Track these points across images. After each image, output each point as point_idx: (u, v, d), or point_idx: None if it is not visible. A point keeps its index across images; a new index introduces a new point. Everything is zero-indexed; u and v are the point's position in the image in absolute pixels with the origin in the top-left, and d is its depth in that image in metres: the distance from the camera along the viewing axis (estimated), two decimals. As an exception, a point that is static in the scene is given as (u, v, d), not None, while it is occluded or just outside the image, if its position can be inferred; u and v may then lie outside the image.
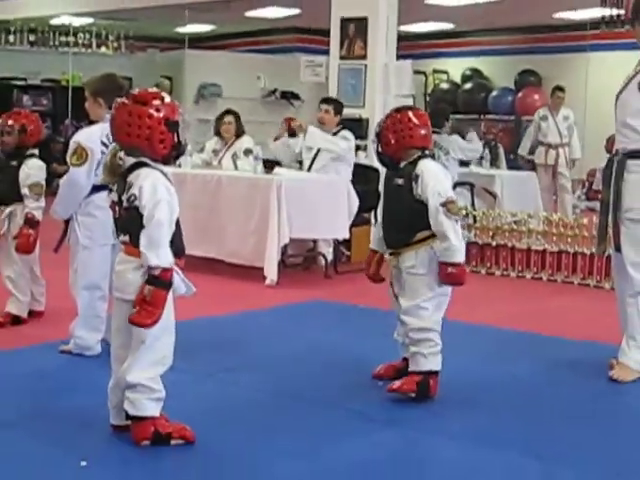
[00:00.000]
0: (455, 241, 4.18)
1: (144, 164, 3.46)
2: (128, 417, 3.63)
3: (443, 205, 4.18)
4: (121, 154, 3.48)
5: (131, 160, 3.47)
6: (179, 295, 3.57)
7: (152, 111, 3.40)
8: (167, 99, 3.53)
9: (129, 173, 3.44)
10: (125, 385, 3.46)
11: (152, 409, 3.48)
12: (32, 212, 5.36)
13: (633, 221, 4.75)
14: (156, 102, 3.44)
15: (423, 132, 4.42)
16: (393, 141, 4.36)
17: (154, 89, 3.64)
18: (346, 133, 7.93)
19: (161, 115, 3.40)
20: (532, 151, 11.75)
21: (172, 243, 3.47)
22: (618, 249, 4.83)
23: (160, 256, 3.30)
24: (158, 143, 3.41)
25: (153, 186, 3.39)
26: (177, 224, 3.53)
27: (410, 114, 4.42)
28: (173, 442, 3.48)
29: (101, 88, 5.08)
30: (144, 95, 3.48)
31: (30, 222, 5.33)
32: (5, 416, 3.85)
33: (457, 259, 4.19)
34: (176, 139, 3.47)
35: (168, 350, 3.55)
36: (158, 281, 3.31)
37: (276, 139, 8.83)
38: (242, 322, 6.03)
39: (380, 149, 4.47)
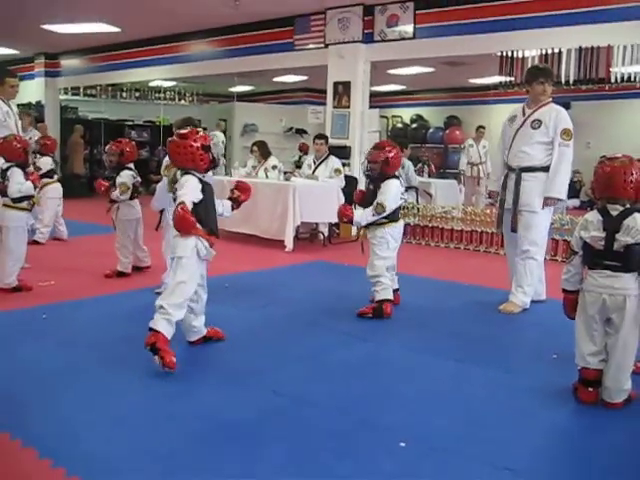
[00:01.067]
0: (363, 218, 4.56)
1: (188, 172, 3.50)
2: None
3: (376, 205, 4.52)
4: (178, 172, 3.54)
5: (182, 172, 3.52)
6: (204, 257, 3.52)
7: (191, 142, 3.48)
8: (200, 132, 3.56)
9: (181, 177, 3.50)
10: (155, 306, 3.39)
11: (163, 326, 3.35)
12: (116, 194, 5.46)
13: (528, 212, 4.81)
14: (193, 136, 3.49)
15: (397, 163, 4.67)
16: (381, 168, 4.56)
17: (193, 128, 3.64)
18: (334, 161, 8.05)
19: (198, 144, 3.47)
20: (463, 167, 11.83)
21: (206, 224, 3.50)
22: (514, 230, 4.90)
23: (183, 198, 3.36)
24: (199, 162, 3.49)
25: (185, 180, 3.46)
26: (211, 213, 3.56)
27: (394, 152, 4.59)
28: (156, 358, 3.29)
29: (183, 125, 4.88)
30: (185, 133, 3.53)
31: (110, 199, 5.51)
32: (113, 335, 3.95)
33: (356, 220, 4.60)
34: (211, 157, 3.53)
35: (188, 293, 3.46)
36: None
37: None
38: (270, 275, 6.12)
39: (369, 170, 4.63)
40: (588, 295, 3.06)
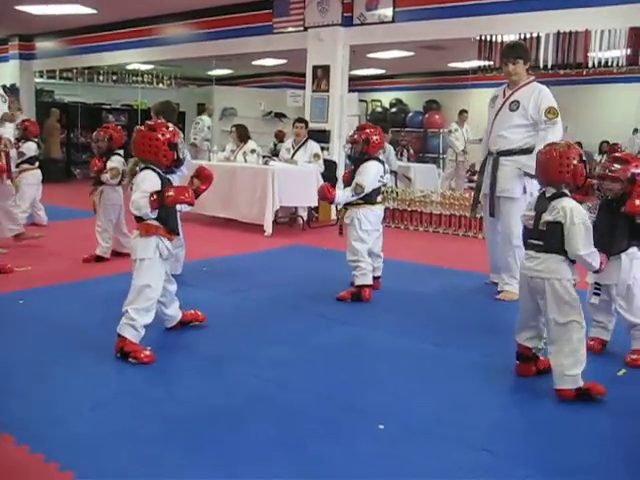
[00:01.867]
0: (343, 198, 4.58)
1: (148, 167, 3.35)
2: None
3: (355, 186, 4.55)
4: (138, 166, 3.42)
5: (142, 165, 3.38)
6: (166, 257, 3.41)
7: (159, 135, 3.32)
8: (171, 127, 3.40)
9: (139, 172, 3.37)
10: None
11: (129, 332, 3.29)
12: (106, 177, 5.47)
13: (507, 198, 4.70)
14: (161, 130, 3.34)
15: (378, 144, 4.67)
16: (361, 148, 4.60)
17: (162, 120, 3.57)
18: (313, 145, 7.98)
19: (164, 139, 3.31)
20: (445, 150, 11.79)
21: (167, 223, 3.36)
22: (492, 215, 4.82)
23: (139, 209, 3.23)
24: (162, 157, 3.33)
25: (142, 177, 3.32)
26: (171, 212, 3.39)
27: (374, 132, 4.62)
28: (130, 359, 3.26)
29: (161, 109, 5.10)
30: (153, 125, 3.40)
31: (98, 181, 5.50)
32: (92, 320, 3.88)
33: (337, 200, 4.60)
34: (175, 156, 3.36)
35: (154, 296, 3.35)
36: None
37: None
38: (250, 259, 6.09)
39: (350, 151, 4.67)
40: (520, 275, 3.16)
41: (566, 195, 2.96)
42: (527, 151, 4.60)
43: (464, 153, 11.26)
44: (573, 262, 2.96)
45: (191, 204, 3.41)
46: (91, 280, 5.01)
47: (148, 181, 3.30)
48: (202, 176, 3.65)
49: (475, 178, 5.50)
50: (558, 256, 2.92)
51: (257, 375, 3.20)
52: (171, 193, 3.27)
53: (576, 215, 2.86)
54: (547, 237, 2.94)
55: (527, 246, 3.07)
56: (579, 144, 12.66)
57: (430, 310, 4.55)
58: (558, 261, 2.93)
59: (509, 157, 4.69)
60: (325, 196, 4.62)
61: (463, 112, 11.57)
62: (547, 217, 2.94)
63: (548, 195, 3.00)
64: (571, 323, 2.93)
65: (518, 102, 4.66)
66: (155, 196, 3.23)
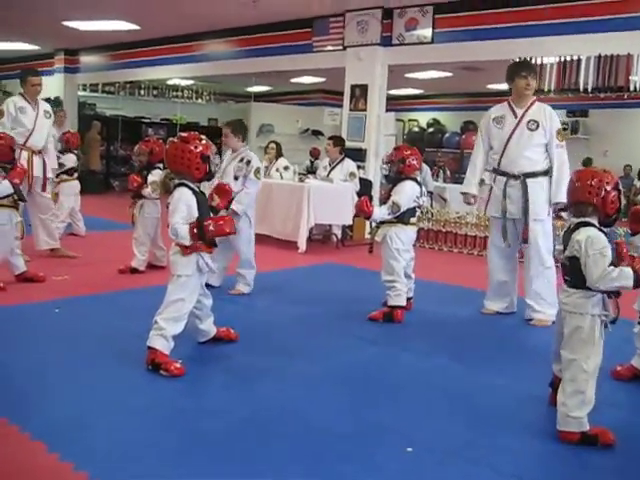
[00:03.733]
0: (380, 215, 4.55)
1: (183, 184, 3.34)
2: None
3: (391, 204, 4.54)
4: (172, 181, 3.40)
5: (176, 181, 3.38)
6: (205, 272, 3.44)
7: (192, 147, 3.30)
8: (204, 140, 3.37)
9: (175, 189, 3.36)
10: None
11: (159, 343, 3.30)
12: (147, 191, 5.55)
13: (537, 221, 4.62)
14: (194, 142, 3.31)
15: (415, 164, 4.67)
16: (397, 167, 4.62)
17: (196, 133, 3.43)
18: (349, 164, 7.92)
19: (198, 151, 3.29)
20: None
21: (205, 239, 3.31)
22: (525, 242, 4.69)
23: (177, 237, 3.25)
24: (194, 170, 3.30)
25: (177, 198, 3.30)
26: (203, 235, 3.28)
27: (411, 152, 4.65)
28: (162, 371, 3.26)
29: (238, 128, 5.11)
30: (186, 136, 3.35)
31: (138, 194, 5.58)
32: (125, 331, 3.87)
33: (374, 216, 4.55)
34: (207, 168, 3.34)
35: (185, 309, 3.36)
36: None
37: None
38: (283, 275, 6.13)
39: (389, 172, 4.68)
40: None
41: (588, 225, 2.80)
42: (547, 173, 4.60)
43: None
44: (610, 296, 2.80)
45: (232, 234, 3.44)
46: (126, 291, 5.07)
47: (184, 204, 3.29)
48: (222, 192, 3.60)
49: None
50: (583, 291, 2.78)
51: (285, 391, 3.20)
52: (211, 227, 3.26)
53: (590, 246, 2.71)
54: (570, 273, 2.83)
55: (563, 278, 2.95)
56: (629, 167, 12.48)
57: (462, 332, 4.52)
58: (583, 296, 2.78)
59: (534, 179, 4.61)
60: (363, 210, 4.57)
61: None
62: (567, 252, 2.83)
63: (572, 227, 2.87)
64: (577, 361, 2.77)
65: (536, 122, 4.57)
66: (196, 229, 3.24)
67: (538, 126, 4.58)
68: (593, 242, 2.72)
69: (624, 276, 2.65)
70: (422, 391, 3.35)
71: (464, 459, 2.59)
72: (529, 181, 4.61)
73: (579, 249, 2.74)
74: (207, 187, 3.90)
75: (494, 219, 4.91)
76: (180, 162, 3.32)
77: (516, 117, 4.66)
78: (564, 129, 4.66)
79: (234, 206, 4.69)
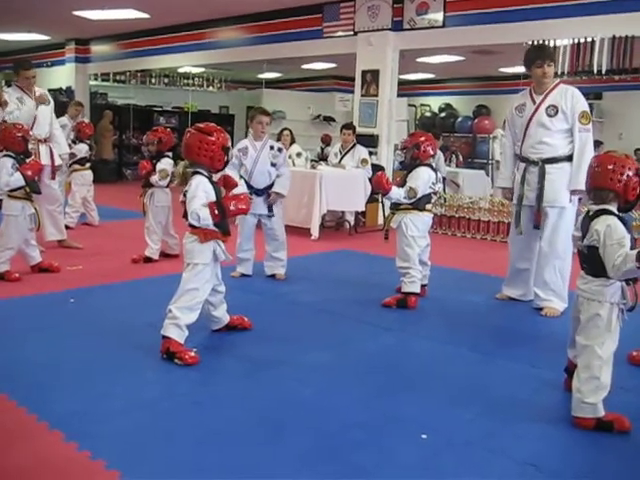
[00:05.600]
0: (397, 195, 4.54)
1: (198, 172, 3.38)
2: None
3: (408, 189, 4.56)
4: (188, 169, 3.42)
5: (190, 170, 3.40)
6: (222, 260, 3.48)
7: (215, 139, 3.36)
8: (223, 132, 3.43)
9: (191, 178, 3.38)
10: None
11: (174, 332, 3.32)
12: (155, 178, 5.58)
13: (556, 208, 4.51)
14: (217, 133, 3.38)
15: (429, 150, 4.67)
16: (412, 154, 4.63)
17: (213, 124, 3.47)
18: (360, 150, 7.94)
19: (220, 143, 3.36)
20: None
21: (221, 225, 3.36)
22: (537, 227, 4.59)
23: (198, 221, 3.26)
24: (217, 161, 3.37)
25: (196, 185, 3.33)
26: (224, 214, 3.33)
27: (425, 138, 4.67)
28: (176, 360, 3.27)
29: (264, 114, 5.11)
30: (209, 128, 3.40)
31: (149, 183, 5.63)
32: (140, 320, 3.87)
33: (391, 194, 4.52)
34: (226, 158, 3.44)
35: (200, 298, 3.39)
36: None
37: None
38: (296, 263, 5.93)
39: (404, 158, 4.71)
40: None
41: (607, 213, 2.76)
42: (570, 158, 4.47)
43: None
44: (628, 283, 2.76)
45: (247, 212, 3.55)
46: (140, 281, 5.10)
47: (202, 190, 3.33)
48: (229, 186, 3.61)
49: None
50: (602, 280, 2.74)
51: (299, 379, 3.20)
52: (232, 207, 3.31)
53: (609, 236, 2.67)
54: (588, 261, 2.80)
55: (580, 265, 2.91)
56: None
57: (476, 319, 4.50)
58: (601, 284, 2.75)
59: (555, 165, 4.50)
60: (382, 185, 4.52)
61: None
62: (586, 241, 2.78)
63: (591, 214, 2.81)
64: (591, 347, 2.75)
65: (555, 106, 4.47)
66: (216, 210, 3.27)
67: (557, 111, 4.47)
68: (612, 232, 2.68)
69: (629, 258, 2.58)
70: (437, 379, 3.34)
71: (480, 446, 2.58)
72: (549, 167, 4.50)
73: (598, 239, 2.70)
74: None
75: (514, 206, 4.83)
76: (204, 154, 3.35)
77: (534, 103, 4.57)
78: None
79: (280, 190, 5.15)
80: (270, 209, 5.18)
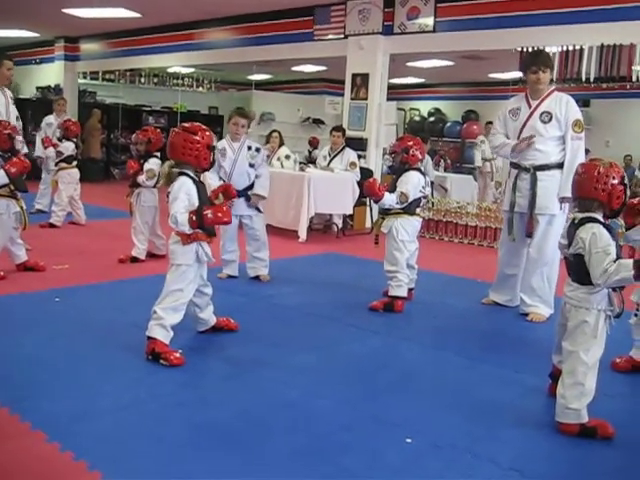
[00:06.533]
0: (389, 201, 4.51)
1: (183, 173, 3.36)
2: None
3: (399, 194, 4.53)
4: (173, 169, 3.40)
5: (176, 170, 3.39)
6: (204, 262, 3.45)
7: (200, 138, 3.35)
8: (208, 132, 3.42)
9: (176, 179, 3.36)
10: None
11: (159, 333, 3.31)
12: (142, 178, 5.56)
13: (546, 216, 4.49)
14: (202, 132, 3.37)
15: (418, 154, 4.65)
16: (401, 158, 4.61)
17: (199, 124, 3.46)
18: (349, 153, 7.96)
19: (205, 142, 3.35)
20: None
21: (204, 228, 3.33)
22: (530, 236, 4.58)
23: (177, 225, 3.25)
24: (202, 160, 3.36)
25: (178, 187, 3.31)
26: (202, 222, 3.28)
27: (413, 142, 4.64)
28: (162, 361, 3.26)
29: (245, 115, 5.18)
30: (194, 127, 3.39)
31: (136, 183, 5.60)
32: (126, 320, 3.89)
33: (384, 200, 4.48)
34: (211, 158, 3.42)
35: (184, 299, 3.37)
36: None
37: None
38: (283, 265, 5.97)
39: (393, 162, 4.69)
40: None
41: (593, 220, 2.75)
42: (562, 166, 4.46)
43: (484, 164, 11.45)
44: (615, 290, 2.76)
45: (228, 224, 3.47)
46: (126, 281, 5.07)
47: (184, 193, 3.31)
48: (228, 194, 3.60)
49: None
50: (588, 287, 2.75)
51: (286, 382, 3.20)
52: (210, 215, 3.28)
53: (594, 244, 2.67)
54: (574, 269, 2.80)
55: (567, 272, 2.91)
56: (629, 157, 12.42)
57: (462, 323, 4.51)
58: (588, 292, 2.75)
59: (547, 172, 4.49)
60: (374, 192, 4.49)
61: (489, 124, 11.38)
62: (571, 249, 2.78)
63: (576, 222, 2.80)
64: (576, 353, 2.75)
65: (549, 113, 4.46)
66: (194, 217, 3.25)
67: (551, 118, 4.46)
68: (597, 240, 2.68)
69: (623, 267, 2.59)
70: (422, 382, 3.34)
71: (465, 451, 2.59)
72: (540, 174, 4.49)
73: (583, 247, 2.72)
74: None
75: (505, 212, 4.81)
76: (188, 153, 3.34)
77: (529, 108, 4.56)
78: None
79: (261, 191, 5.15)
80: (258, 208, 5.19)
